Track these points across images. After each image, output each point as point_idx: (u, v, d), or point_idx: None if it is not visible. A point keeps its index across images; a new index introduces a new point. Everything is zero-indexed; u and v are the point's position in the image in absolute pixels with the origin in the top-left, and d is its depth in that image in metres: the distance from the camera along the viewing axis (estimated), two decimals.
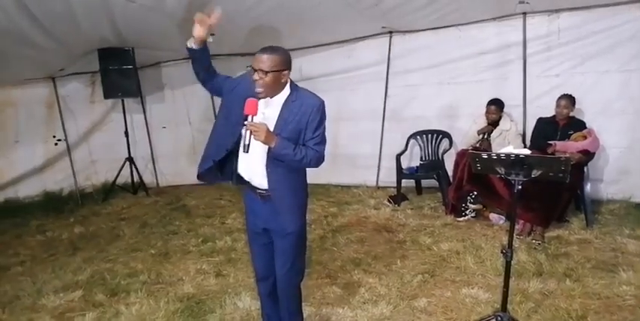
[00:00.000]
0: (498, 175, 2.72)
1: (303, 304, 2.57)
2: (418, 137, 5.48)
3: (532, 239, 3.92)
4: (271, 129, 2.07)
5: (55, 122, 6.02)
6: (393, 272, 3.46)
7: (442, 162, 5.24)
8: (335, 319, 2.87)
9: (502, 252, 2.52)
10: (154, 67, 6.46)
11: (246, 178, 2.27)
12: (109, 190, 6.09)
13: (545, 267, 3.39)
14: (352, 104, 5.95)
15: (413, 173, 5.45)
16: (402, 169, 5.32)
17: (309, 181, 2.36)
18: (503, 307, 2.55)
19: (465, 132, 5.03)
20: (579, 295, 2.97)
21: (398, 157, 5.30)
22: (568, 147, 4.10)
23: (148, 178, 6.57)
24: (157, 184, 6.72)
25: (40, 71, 5.61)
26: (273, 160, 2.14)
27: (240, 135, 2.15)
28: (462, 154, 4.56)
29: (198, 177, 2.34)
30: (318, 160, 2.18)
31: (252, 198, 2.32)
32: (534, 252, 3.68)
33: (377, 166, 5.93)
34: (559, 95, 4.30)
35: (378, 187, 5.87)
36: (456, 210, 4.62)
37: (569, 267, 3.37)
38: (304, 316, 2.61)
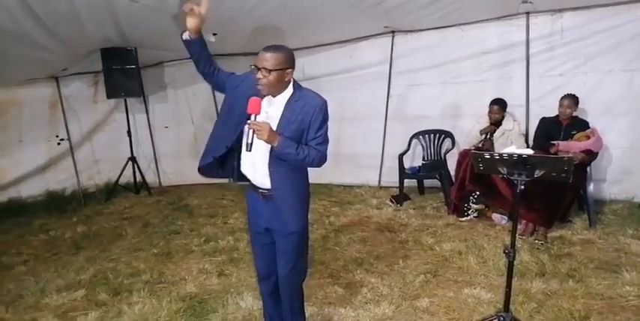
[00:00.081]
0: (501, 175, 2.71)
1: (305, 303, 2.57)
2: (421, 137, 5.47)
3: (535, 239, 3.91)
4: (274, 128, 2.07)
5: (58, 122, 6.03)
6: (396, 272, 3.46)
7: (444, 162, 5.23)
8: (337, 318, 2.87)
9: (504, 252, 2.51)
10: (157, 66, 6.47)
11: (249, 176, 2.27)
12: (111, 190, 6.10)
13: (547, 267, 3.38)
14: (355, 104, 5.95)
15: (415, 173, 5.45)
16: (404, 168, 5.32)
17: (311, 180, 2.36)
18: (506, 307, 2.54)
19: (468, 132, 5.02)
20: (582, 295, 2.96)
21: (400, 156, 5.29)
22: (571, 147, 4.09)
23: (151, 178, 6.58)
24: (160, 183, 6.73)
25: (43, 71, 5.62)
26: (276, 159, 2.14)
27: (242, 132, 2.16)
28: (464, 154, 4.56)
29: (199, 170, 2.34)
30: (320, 160, 2.18)
31: (254, 198, 2.33)
32: (537, 252, 3.67)
33: (379, 166, 5.93)
34: (562, 95, 4.29)
35: (381, 187, 5.86)
36: (459, 210, 4.61)
37: (572, 267, 3.36)
38: (306, 315, 2.61)
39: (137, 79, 5.75)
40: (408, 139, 5.48)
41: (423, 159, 5.50)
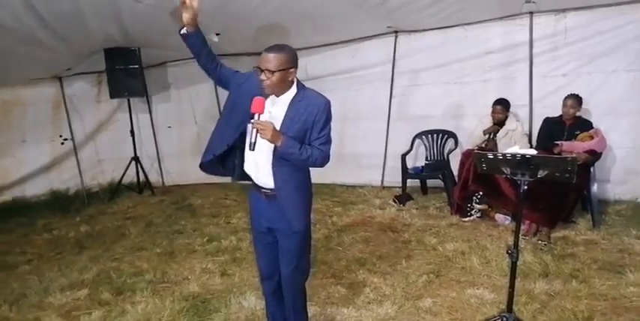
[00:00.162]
0: (504, 176, 2.70)
1: (307, 303, 2.57)
2: (424, 137, 5.47)
3: (538, 240, 3.90)
4: (277, 128, 2.07)
5: (62, 122, 6.06)
6: (398, 272, 3.46)
7: (447, 162, 5.22)
8: (340, 318, 2.87)
9: (508, 252, 2.51)
10: (160, 66, 6.49)
11: (252, 176, 2.28)
12: (115, 190, 6.12)
13: (551, 268, 3.37)
14: (357, 104, 5.94)
15: (418, 173, 5.44)
16: (407, 168, 5.31)
17: (313, 180, 2.36)
18: (509, 307, 2.54)
19: (471, 132, 5.02)
20: (586, 296, 2.95)
21: (403, 156, 5.28)
22: (575, 147, 4.08)
23: (154, 178, 6.60)
24: (163, 183, 6.74)
25: (46, 71, 5.64)
26: (279, 159, 2.14)
27: (244, 131, 2.17)
28: (467, 154, 4.55)
29: (201, 166, 2.34)
30: (323, 160, 2.18)
31: (257, 197, 2.33)
32: (540, 253, 3.66)
33: (382, 166, 5.92)
34: (565, 95, 4.27)
35: (383, 187, 5.86)
36: (462, 210, 4.61)
37: (576, 268, 3.35)
38: (309, 315, 2.61)
39: (140, 79, 5.77)
40: (410, 139, 5.47)
41: (426, 159, 5.50)
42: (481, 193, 4.46)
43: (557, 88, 4.76)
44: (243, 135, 2.20)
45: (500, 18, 4.99)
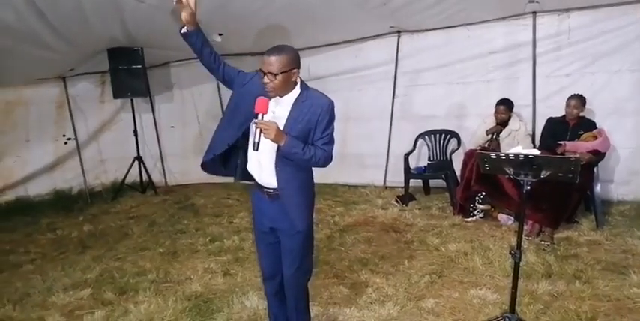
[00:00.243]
0: (507, 176, 2.70)
1: (310, 303, 2.57)
2: (426, 137, 5.46)
3: (541, 240, 3.89)
4: (281, 128, 2.07)
5: (65, 121, 6.08)
6: (401, 272, 3.46)
7: (450, 162, 5.22)
8: (342, 318, 2.87)
9: (510, 253, 2.50)
10: (163, 66, 6.51)
11: (255, 176, 2.28)
12: (118, 189, 6.13)
13: (554, 268, 3.36)
14: (360, 104, 5.94)
15: (421, 173, 5.43)
16: (409, 169, 5.31)
17: (316, 180, 2.36)
18: (512, 308, 2.53)
19: (474, 132, 5.01)
20: (589, 296, 2.94)
21: (406, 156, 5.28)
22: (578, 147, 4.07)
23: (157, 178, 6.62)
24: (166, 183, 6.76)
25: (50, 71, 5.66)
26: (283, 158, 2.14)
27: (246, 131, 2.17)
28: (470, 155, 4.54)
29: (202, 166, 2.34)
30: (326, 160, 2.18)
31: (259, 197, 2.33)
32: (543, 253, 3.65)
33: (385, 166, 5.92)
34: (569, 95, 4.27)
35: (386, 187, 5.86)
36: (464, 210, 4.60)
37: (579, 268, 3.34)
38: (311, 315, 2.61)
39: (143, 79, 5.78)
40: (413, 139, 5.47)
41: (429, 159, 5.49)
42: (484, 193, 4.45)
43: (561, 88, 4.75)
44: (245, 135, 2.21)
45: (503, 18, 4.98)
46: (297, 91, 2.16)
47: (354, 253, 3.86)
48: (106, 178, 6.42)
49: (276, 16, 4.64)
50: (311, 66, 5.70)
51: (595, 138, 4.10)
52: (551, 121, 4.41)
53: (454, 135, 5.32)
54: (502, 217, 4.44)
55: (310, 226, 2.33)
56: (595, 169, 4.22)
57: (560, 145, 4.14)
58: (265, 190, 2.26)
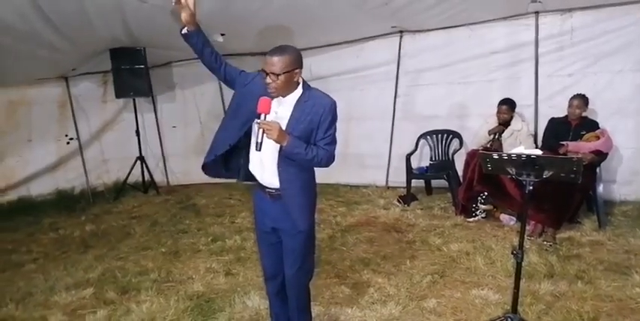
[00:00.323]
0: (509, 176, 2.70)
1: (311, 303, 2.57)
2: (428, 137, 5.46)
3: (543, 240, 3.88)
4: (283, 128, 2.07)
5: (68, 121, 6.09)
6: (403, 272, 3.45)
7: (452, 162, 5.21)
8: (344, 318, 2.87)
9: (513, 253, 2.50)
10: (165, 66, 6.51)
11: (257, 176, 2.28)
12: (120, 189, 6.14)
13: (556, 268, 3.36)
14: (362, 104, 5.94)
15: (423, 173, 5.43)
16: (411, 169, 5.30)
17: (318, 180, 2.36)
18: (514, 308, 2.53)
19: (476, 132, 5.00)
20: (591, 297, 2.93)
21: (408, 157, 5.28)
22: (580, 147, 4.06)
23: (159, 177, 6.62)
24: (168, 182, 6.77)
25: (52, 71, 5.67)
26: (285, 158, 2.14)
27: (248, 131, 2.17)
28: (472, 155, 4.54)
29: (203, 168, 2.34)
30: (328, 160, 2.18)
31: (261, 197, 2.33)
32: (545, 253, 3.64)
33: (387, 166, 5.92)
34: (571, 95, 4.25)
35: (388, 187, 5.85)
36: (466, 210, 4.60)
37: (581, 269, 3.33)
38: (313, 315, 2.61)
39: (146, 79, 5.79)
40: (415, 139, 5.46)
41: (431, 159, 5.49)
42: (486, 193, 4.44)
43: (563, 88, 4.74)
44: (247, 135, 2.21)
45: (506, 18, 4.98)
46: (299, 91, 2.16)
47: (355, 253, 3.86)
48: (108, 178, 6.43)
49: (278, 17, 4.64)
50: (313, 66, 5.70)
51: (597, 138, 4.09)
52: (553, 121, 4.40)
53: (456, 135, 5.32)
54: (504, 217, 4.43)
55: (312, 226, 2.33)
56: (597, 170, 4.21)
57: (563, 145, 4.13)
58: (267, 190, 2.26)
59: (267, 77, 2.05)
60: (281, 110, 2.14)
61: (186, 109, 6.70)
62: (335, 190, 5.84)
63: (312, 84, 2.23)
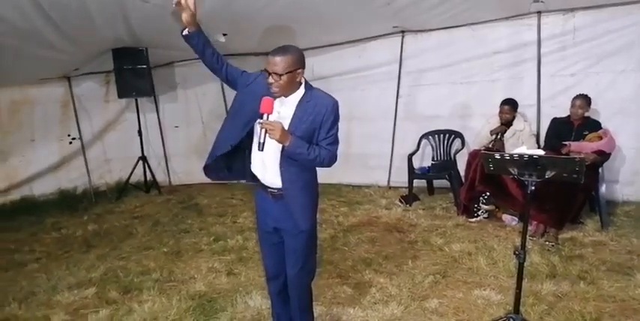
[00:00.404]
0: (511, 176, 2.69)
1: (313, 303, 2.57)
2: (430, 137, 5.45)
3: (545, 241, 3.87)
4: (285, 128, 2.08)
5: (70, 121, 6.10)
6: (404, 273, 3.45)
7: (454, 162, 5.20)
8: (346, 318, 2.87)
9: (515, 253, 2.49)
10: (167, 66, 6.52)
11: (259, 176, 2.28)
12: (122, 189, 6.15)
13: (558, 269, 3.35)
14: (364, 104, 5.94)
15: (425, 173, 5.42)
16: (413, 169, 5.30)
17: (320, 180, 2.37)
18: (516, 308, 2.52)
19: (478, 132, 4.99)
20: (594, 297, 2.93)
21: (410, 157, 5.27)
22: (583, 147, 4.05)
23: (161, 177, 6.63)
24: (170, 182, 6.77)
25: (55, 71, 5.68)
26: (287, 158, 2.15)
27: (250, 131, 2.17)
28: (474, 155, 4.53)
29: (205, 169, 2.34)
30: (331, 160, 2.18)
31: (263, 197, 2.33)
32: (548, 254, 3.64)
33: (388, 166, 5.91)
34: (574, 95, 4.25)
35: (390, 187, 5.85)
36: (468, 211, 4.59)
37: (584, 269, 3.33)
38: (315, 315, 2.61)
39: (148, 79, 5.80)
40: (417, 139, 5.46)
41: (433, 159, 5.48)
42: (488, 193, 4.43)
43: (566, 88, 4.73)
44: (249, 135, 2.21)
45: (508, 18, 4.96)
46: (301, 91, 2.16)
47: (357, 253, 3.86)
48: (110, 178, 6.45)
49: (280, 16, 4.64)
50: (315, 66, 5.70)
51: (600, 138, 4.08)
52: (555, 121, 4.40)
53: (458, 135, 5.31)
54: (506, 217, 4.43)
55: (314, 226, 2.33)
56: (600, 170, 4.21)
57: (565, 145, 4.12)
58: (269, 190, 2.26)
59: (270, 77, 2.05)
60: (283, 110, 2.15)
61: (188, 109, 6.70)
62: (337, 190, 5.84)
63: (314, 84, 2.24)
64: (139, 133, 6.14)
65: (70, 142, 6.15)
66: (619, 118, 4.53)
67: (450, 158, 5.31)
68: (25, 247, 4.43)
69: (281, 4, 4.29)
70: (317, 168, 2.30)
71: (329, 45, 5.96)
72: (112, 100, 6.27)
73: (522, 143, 4.43)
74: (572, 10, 4.68)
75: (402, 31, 5.59)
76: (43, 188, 5.96)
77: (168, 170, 6.79)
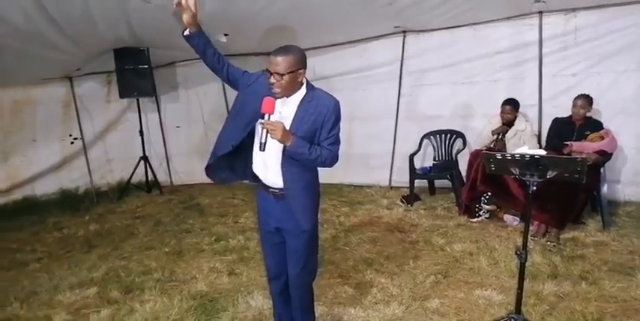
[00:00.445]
0: (513, 176, 2.69)
1: (315, 303, 2.57)
2: (432, 137, 5.45)
3: (547, 241, 3.87)
4: (287, 128, 2.08)
5: (72, 121, 6.11)
6: (406, 273, 3.45)
7: (456, 162, 5.20)
8: (347, 318, 2.87)
9: (516, 253, 2.49)
10: (169, 66, 6.53)
11: (260, 176, 2.28)
12: (123, 189, 6.16)
13: (560, 269, 3.35)
14: (365, 104, 5.94)
15: (426, 173, 5.42)
16: (415, 169, 5.30)
17: (321, 180, 2.37)
18: (517, 309, 2.52)
19: (479, 132, 4.99)
20: (595, 298, 2.93)
21: (411, 157, 5.27)
22: (584, 147, 4.05)
23: (162, 177, 6.64)
24: (171, 182, 6.78)
25: (57, 71, 5.69)
26: (289, 158, 2.15)
27: (251, 131, 2.17)
28: (475, 155, 4.53)
29: (206, 169, 2.34)
30: (332, 160, 2.18)
31: (264, 197, 2.33)
32: (549, 254, 3.63)
33: (390, 166, 5.91)
34: (575, 95, 4.24)
35: (391, 187, 5.85)
36: (470, 211, 4.59)
37: (585, 269, 3.32)
38: (316, 315, 2.61)
39: (149, 79, 5.81)
40: (419, 139, 5.46)
41: (434, 159, 5.48)
42: (489, 193, 4.43)
43: (567, 88, 4.73)
44: (251, 135, 2.21)
45: (509, 18, 4.96)
46: (303, 91, 2.16)
47: (359, 253, 3.86)
48: (111, 178, 6.46)
49: (281, 16, 4.65)
50: (316, 66, 5.69)
51: (602, 138, 4.07)
52: (557, 121, 4.39)
53: (459, 135, 5.31)
54: (508, 217, 4.42)
55: (315, 225, 2.33)
56: (602, 170, 4.20)
57: (567, 145, 4.12)
58: (271, 190, 2.27)
59: (272, 77, 2.05)
60: (285, 110, 2.15)
61: (189, 109, 6.71)
62: (338, 190, 5.84)
63: (316, 84, 2.24)
64: (141, 133, 6.15)
65: (72, 142, 6.17)
66: (621, 118, 4.53)
67: (452, 158, 5.30)
68: (26, 247, 4.44)
69: (282, 4, 4.29)
70: (318, 168, 2.30)
71: (330, 45, 5.96)
72: (113, 100, 6.28)
73: (524, 143, 4.43)
74: (574, 10, 4.67)
75: (404, 31, 5.59)
76: (44, 188, 5.97)
77: (169, 170, 6.80)
